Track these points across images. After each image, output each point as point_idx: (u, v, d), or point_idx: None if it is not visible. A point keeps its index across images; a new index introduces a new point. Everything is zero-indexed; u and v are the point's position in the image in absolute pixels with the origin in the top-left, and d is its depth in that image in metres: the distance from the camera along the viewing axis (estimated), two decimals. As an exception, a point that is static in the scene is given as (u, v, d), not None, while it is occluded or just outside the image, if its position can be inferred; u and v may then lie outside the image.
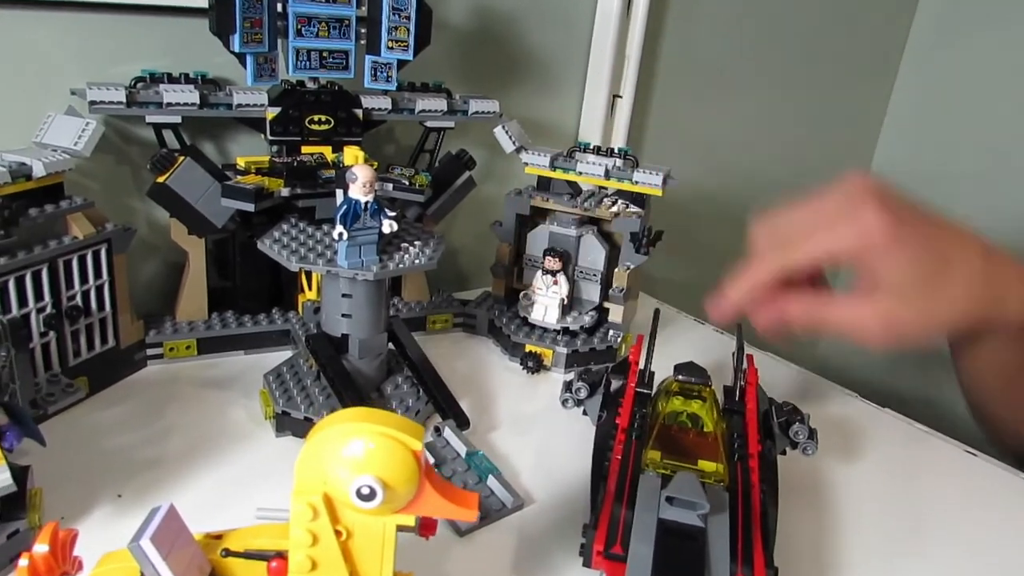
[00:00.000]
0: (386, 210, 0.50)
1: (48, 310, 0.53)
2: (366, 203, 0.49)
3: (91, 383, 0.56)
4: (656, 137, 1.00)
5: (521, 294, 0.71)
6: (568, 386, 0.54)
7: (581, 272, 0.70)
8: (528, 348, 0.67)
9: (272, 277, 0.67)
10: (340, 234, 0.49)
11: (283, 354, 0.64)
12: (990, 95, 1.16)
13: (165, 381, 0.60)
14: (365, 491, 0.29)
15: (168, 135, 0.60)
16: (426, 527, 0.33)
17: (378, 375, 0.57)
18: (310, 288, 0.67)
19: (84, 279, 0.55)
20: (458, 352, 0.70)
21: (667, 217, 0.73)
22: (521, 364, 0.67)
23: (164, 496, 0.47)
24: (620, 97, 0.91)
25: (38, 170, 0.51)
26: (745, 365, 0.51)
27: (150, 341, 0.61)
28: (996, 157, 1.16)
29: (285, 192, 0.56)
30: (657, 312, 0.58)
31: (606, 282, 0.70)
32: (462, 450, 0.52)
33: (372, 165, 0.52)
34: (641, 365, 0.52)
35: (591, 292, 0.71)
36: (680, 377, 0.51)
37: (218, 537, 0.34)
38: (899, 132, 1.27)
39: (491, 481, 0.49)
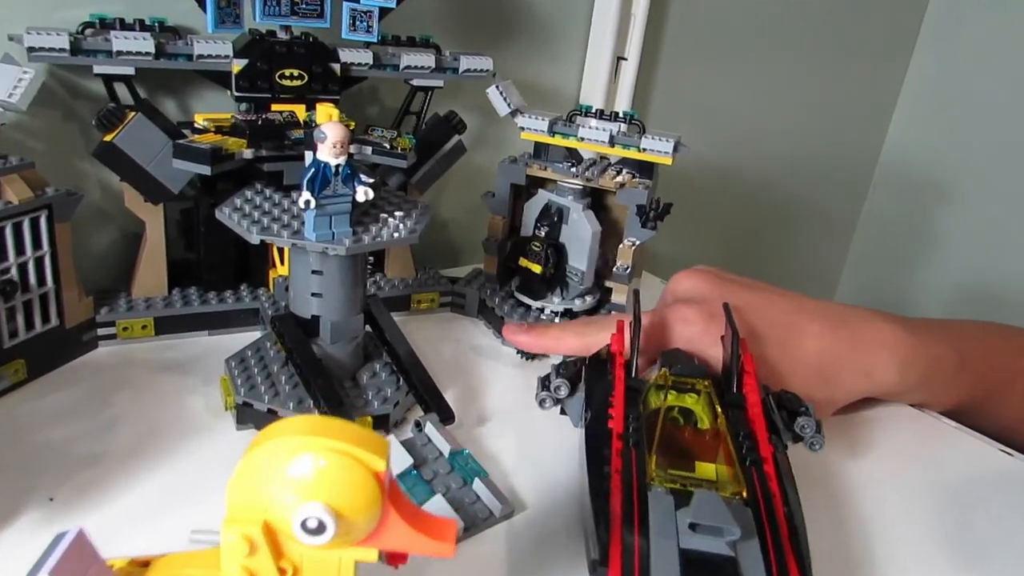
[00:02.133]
0: (361, 175, 0.43)
1: (-23, 285, 0.46)
2: (337, 167, 0.43)
3: (29, 367, 0.50)
4: (662, 104, 0.93)
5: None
6: (544, 383, 0.48)
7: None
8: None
9: (239, 250, 0.60)
10: (307, 202, 0.42)
11: (251, 335, 0.58)
12: (1010, 72, 1.09)
13: (117, 364, 0.54)
14: (312, 524, 0.23)
15: (121, 89, 0.53)
16: (395, 557, 0.28)
17: (353, 361, 0.51)
18: (282, 262, 0.61)
19: (20, 250, 0.48)
20: (445, 335, 0.64)
21: (667, 189, 0.66)
22: (516, 349, 0.61)
23: (102, 500, 0.41)
24: (624, 60, 0.84)
25: (-38, 124, 0.45)
26: (740, 351, 0.45)
27: (101, 320, 0.55)
28: (1016, 138, 1.10)
29: (248, 154, 0.49)
30: (636, 294, 0.52)
31: (593, 259, 0.63)
32: (445, 449, 0.46)
33: (348, 125, 0.45)
34: (627, 355, 0.46)
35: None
36: (674, 369, 0.45)
37: (145, 564, 0.29)
38: (913, 108, 1.21)
39: (477, 485, 0.43)
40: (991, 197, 1.14)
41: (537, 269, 0.61)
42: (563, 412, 0.48)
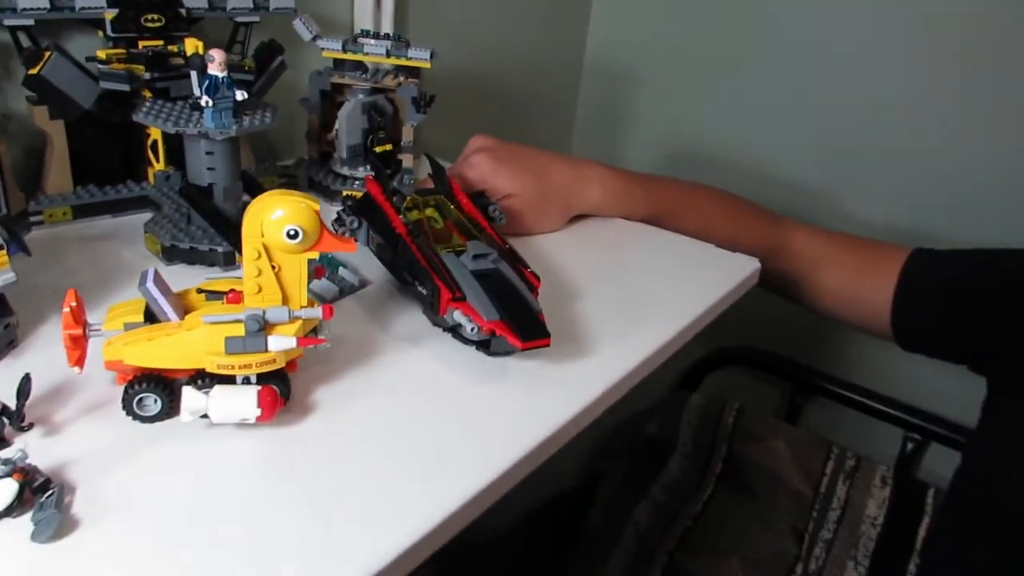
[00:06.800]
0: (235, 84, 0.68)
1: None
2: (223, 78, 0.67)
3: None
4: (417, 24, 1.21)
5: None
6: (341, 220, 0.74)
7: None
8: (344, 193, 0.89)
9: (122, 154, 0.81)
10: (207, 103, 0.66)
11: (144, 216, 0.80)
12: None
13: (54, 239, 0.74)
14: (292, 232, 0.51)
15: (22, 37, 0.71)
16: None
17: (239, 215, 0.76)
18: (158, 160, 0.82)
19: (-23, 158, 0.67)
20: (288, 203, 0.89)
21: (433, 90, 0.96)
22: (341, 205, 0.88)
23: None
24: (385, -8, 1.11)
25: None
26: (446, 176, 0.78)
27: (31, 209, 0.74)
28: (692, 25, 1.46)
29: (147, 76, 0.71)
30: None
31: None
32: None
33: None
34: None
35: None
36: (415, 193, 0.74)
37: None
38: (610, 9, 1.55)
39: (341, 271, 0.72)
40: (681, 79, 1.52)
41: (389, 147, 0.89)
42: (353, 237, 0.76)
